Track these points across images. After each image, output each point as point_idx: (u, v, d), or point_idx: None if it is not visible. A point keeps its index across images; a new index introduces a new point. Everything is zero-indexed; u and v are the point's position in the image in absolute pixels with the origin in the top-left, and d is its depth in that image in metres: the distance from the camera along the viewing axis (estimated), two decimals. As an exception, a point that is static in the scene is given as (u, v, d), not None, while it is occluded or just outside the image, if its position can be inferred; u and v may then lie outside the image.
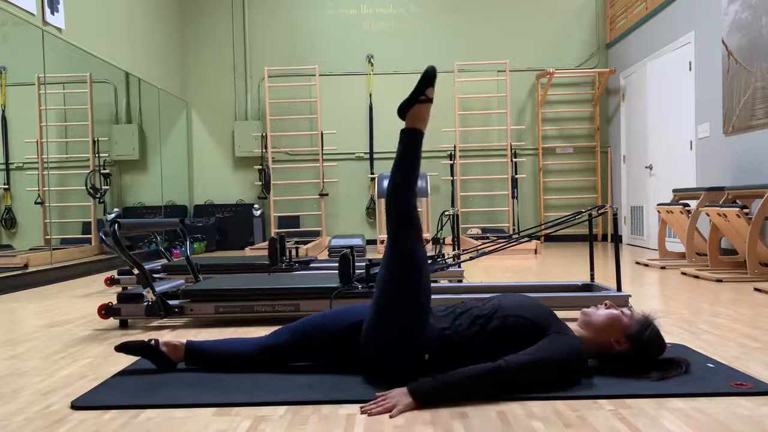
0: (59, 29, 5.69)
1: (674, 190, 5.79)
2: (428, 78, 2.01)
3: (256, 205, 8.76)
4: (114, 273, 4.51)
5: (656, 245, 6.45)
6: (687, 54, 6.43)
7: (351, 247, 3.29)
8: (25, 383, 2.13)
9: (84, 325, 3.21)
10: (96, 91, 6.68)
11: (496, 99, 8.80)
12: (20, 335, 2.99)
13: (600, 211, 3.23)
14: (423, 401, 1.76)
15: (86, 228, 6.38)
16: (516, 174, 8.70)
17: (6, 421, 1.75)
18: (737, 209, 4.36)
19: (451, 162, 8.70)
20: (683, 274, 4.82)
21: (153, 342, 2.16)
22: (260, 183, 8.39)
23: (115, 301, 3.10)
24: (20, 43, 5.37)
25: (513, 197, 8.67)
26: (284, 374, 2.07)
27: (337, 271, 3.27)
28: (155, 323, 3.19)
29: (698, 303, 3.50)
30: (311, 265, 4.51)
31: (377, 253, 7.36)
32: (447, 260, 3.62)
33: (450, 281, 4.00)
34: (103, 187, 6.49)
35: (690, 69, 6.36)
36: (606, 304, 2.04)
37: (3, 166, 5.37)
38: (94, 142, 6.49)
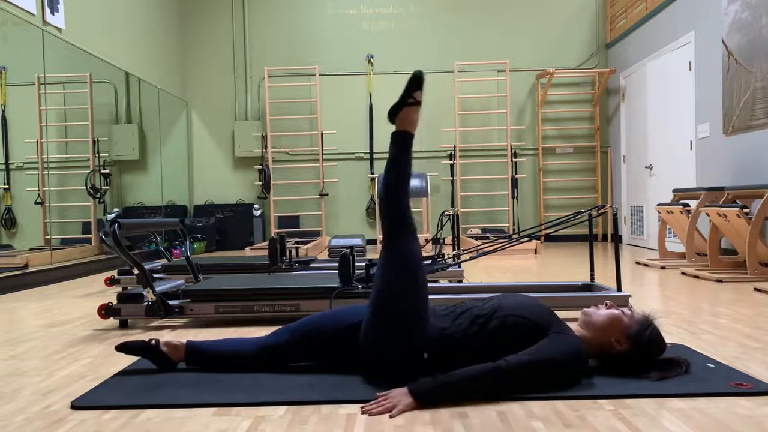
0: (59, 29, 5.69)
1: (674, 190, 5.79)
2: (416, 81, 2.04)
3: (256, 205, 8.76)
4: (114, 273, 4.51)
5: (656, 245, 6.45)
6: (687, 54, 6.43)
7: (351, 247, 3.29)
8: (25, 383, 2.13)
9: (84, 325, 3.21)
10: (96, 91, 6.68)
11: (496, 99, 8.81)
12: (20, 335, 2.99)
13: (600, 211, 3.23)
14: (423, 401, 1.76)
15: (86, 228, 6.38)
16: (516, 174, 8.70)
17: (6, 421, 1.75)
18: (737, 209, 4.36)
19: (451, 162, 8.70)
20: (683, 274, 4.82)
21: (153, 342, 2.16)
22: (260, 183, 8.39)
23: (115, 301, 3.10)
24: (20, 43, 5.37)
25: (513, 197, 8.67)
26: (284, 374, 2.07)
27: (337, 271, 3.27)
28: (155, 323, 3.19)
29: (698, 303, 3.50)
30: (311, 265, 4.51)
31: (377, 253, 7.36)
32: (447, 260, 3.62)
33: (450, 281, 4.00)
34: (103, 187, 6.49)
35: (690, 69, 6.36)
36: (606, 304, 2.04)
37: (3, 166, 5.37)
38: (94, 142, 6.49)
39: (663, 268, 5.28)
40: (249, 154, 8.81)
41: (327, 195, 8.73)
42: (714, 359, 2.20)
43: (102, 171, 6.51)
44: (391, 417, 1.70)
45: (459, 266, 3.98)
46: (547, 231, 7.85)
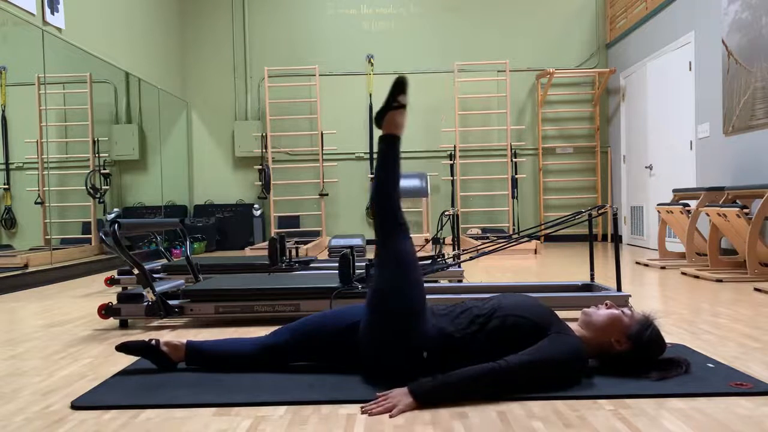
0: (59, 29, 5.69)
1: (674, 190, 5.80)
2: (399, 85, 2.07)
3: (256, 205, 8.76)
4: (114, 273, 4.51)
5: (656, 245, 6.45)
6: (687, 54, 6.43)
7: (351, 247, 3.29)
8: (25, 383, 2.13)
9: (84, 325, 3.21)
10: (96, 91, 6.68)
11: (496, 99, 8.80)
12: (20, 335, 2.99)
13: (600, 211, 3.23)
14: (423, 401, 1.76)
15: (86, 228, 6.38)
16: (516, 174, 8.70)
17: (6, 421, 1.75)
18: (737, 209, 4.36)
19: (451, 162, 8.70)
20: (683, 274, 4.82)
21: (153, 342, 2.16)
22: (260, 183, 8.39)
23: (115, 301, 3.10)
24: (20, 43, 5.37)
25: (513, 197, 8.67)
26: (284, 374, 2.07)
27: (337, 271, 3.27)
28: (155, 323, 3.19)
29: (698, 303, 3.50)
30: (311, 265, 4.51)
31: (377, 253, 7.35)
32: (447, 260, 3.62)
33: (450, 281, 4.00)
34: (103, 187, 6.49)
35: (690, 69, 6.36)
36: (606, 304, 2.04)
37: (3, 166, 5.37)
38: (94, 142, 6.49)
39: (663, 268, 5.28)
40: (249, 154, 8.81)
41: (327, 195, 8.73)
42: (714, 359, 2.20)
43: (102, 171, 6.51)
44: (391, 417, 1.70)
45: (459, 266, 3.98)
46: (547, 231, 7.85)
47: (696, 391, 1.84)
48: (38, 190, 5.55)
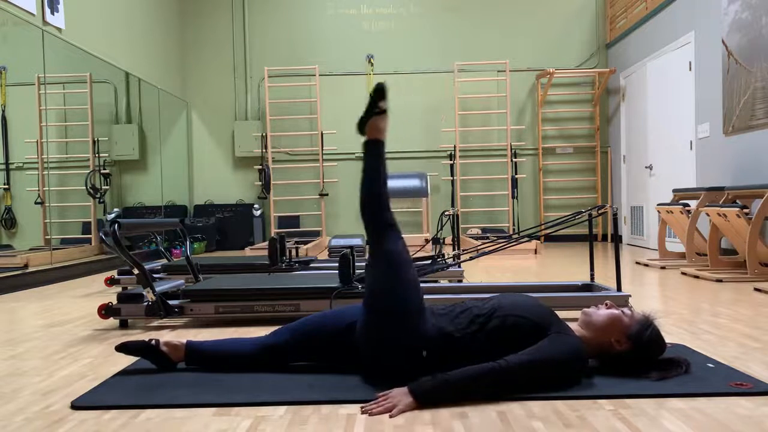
0: (59, 29, 5.69)
1: (674, 190, 5.79)
2: (379, 92, 2.13)
3: (256, 205, 8.76)
4: (114, 273, 4.51)
5: (656, 245, 6.45)
6: (687, 54, 6.43)
7: (351, 247, 3.29)
8: (25, 383, 2.13)
9: (84, 325, 3.21)
10: (96, 91, 6.68)
11: (496, 99, 8.80)
12: (20, 335, 2.99)
13: (600, 211, 3.23)
14: (423, 401, 1.76)
15: (86, 228, 6.38)
16: (516, 174, 8.70)
17: (6, 421, 1.75)
18: (737, 209, 4.36)
19: (451, 162, 8.70)
20: (683, 274, 4.82)
21: (153, 342, 2.16)
22: (260, 183, 8.39)
23: (115, 301, 3.10)
24: (20, 43, 5.37)
25: (513, 197, 8.67)
26: (284, 374, 2.07)
27: (337, 271, 3.27)
28: (155, 323, 3.19)
29: (698, 303, 3.50)
30: (311, 265, 4.51)
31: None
32: (447, 260, 3.62)
33: (450, 281, 4.00)
34: (103, 187, 6.49)
35: (690, 69, 6.36)
36: (606, 304, 2.04)
37: (3, 166, 5.37)
38: (94, 142, 6.49)
39: (663, 268, 5.28)
40: (249, 154, 8.81)
41: (327, 195, 8.73)
42: (714, 359, 2.20)
43: (102, 171, 6.51)
44: (391, 417, 1.70)
45: (459, 266, 3.98)
46: (547, 231, 7.85)
47: (696, 391, 1.84)
48: (38, 190, 5.55)
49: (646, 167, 7.54)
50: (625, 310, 2.03)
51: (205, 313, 3.12)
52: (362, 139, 2.14)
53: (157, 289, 3.07)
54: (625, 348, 1.97)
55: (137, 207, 7.53)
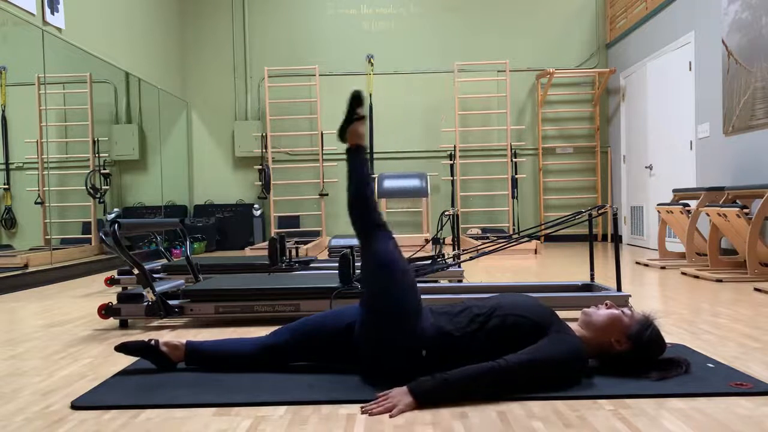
0: (59, 29, 5.69)
1: (674, 190, 5.79)
2: (356, 99, 2.24)
3: (256, 205, 8.76)
4: (114, 273, 4.51)
5: (656, 245, 6.45)
6: (687, 54, 6.43)
7: (351, 247, 3.28)
8: (25, 383, 2.13)
9: (84, 325, 3.21)
10: (96, 91, 6.68)
11: (496, 99, 8.80)
12: (20, 335, 2.99)
13: (600, 211, 3.23)
14: (423, 400, 1.76)
15: (86, 228, 6.38)
16: (516, 174, 8.70)
17: (6, 421, 1.75)
18: (737, 209, 4.36)
19: (451, 162, 8.70)
20: (683, 274, 4.82)
21: (153, 342, 2.16)
22: (260, 183, 8.39)
23: (115, 301, 3.10)
24: (20, 43, 5.37)
25: (513, 197, 8.67)
26: (284, 374, 2.07)
27: (337, 271, 3.27)
28: (155, 323, 3.19)
29: (698, 303, 3.50)
30: (311, 265, 4.51)
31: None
32: (447, 260, 3.62)
33: (450, 281, 3.99)
34: (103, 187, 6.49)
35: (690, 69, 6.36)
36: (606, 304, 2.04)
37: (3, 166, 5.37)
38: (94, 142, 6.49)
39: (663, 268, 5.28)
40: (249, 154, 8.81)
41: (327, 195, 8.73)
42: (714, 359, 2.20)
43: (102, 171, 6.51)
44: (391, 417, 1.70)
45: (459, 266, 3.98)
46: (547, 231, 7.85)
47: (696, 391, 1.84)
48: (38, 190, 5.55)
49: (646, 167, 7.54)
50: (625, 310, 2.03)
51: (205, 313, 3.12)
52: (345, 146, 2.22)
53: (157, 289, 3.07)
54: (625, 348, 1.97)
55: (137, 207, 7.53)
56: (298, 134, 8.80)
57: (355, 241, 6.83)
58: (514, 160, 8.67)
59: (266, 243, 6.77)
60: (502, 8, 8.83)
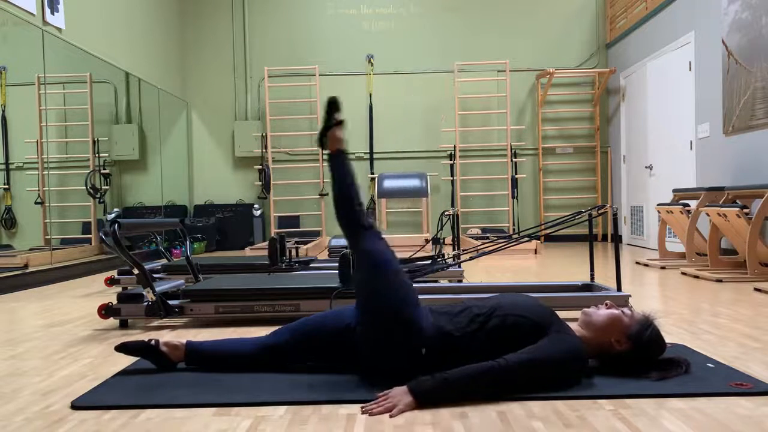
0: (59, 29, 5.69)
1: (674, 190, 5.79)
2: (332, 105, 2.27)
3: (256, 205, 8.76)
4: (114, 273, 4.51)
5: (656, 245, 6.45)
6: (687, 54, 6.43)
7: (351, 247, 3.28)
8: (25, 383, 2.13)
9: (84, 325, 3.21)
10: (96, 91, 6.68)
11: (496, 99, 8.80)
12: (20, 335, 2.99)
13: (600, 211, 3.23)
14: (423, 400, 1.76)
15: (86, 228, 6.38)
16: (516, 174, 8.70)
17: (6, 421, 1.75)
18: (737, 209, 4.36)
19: (451, 162, 8.70)
20: (683, 274, 4.82)
21: (153, 342, 2.16)
22: (260, 183, 8.39)
23: (115, 301, 3.10)
24: (20, 43, 5.37)
25: (513, 197, 8.67)
26: (284, 374, 2.07)
27: (337, 271, 3.27)
28: (155, 323, 3.19)
29: (698, 303, 3.50)
30: (311, 265, 4.51)
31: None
32: (447, 260, 3.62)
33: (450, 281, 3.99)
34: (103, 187, 6.49)
35: (690, 69, 6.36)
36: (606, 304, 2.04)
37: (3, 166, 5.37)
38: (94, 142, 6.49)
39: (663, 268, 5.28)
40: (249, 154, 8.81)
41: (327, 195, 8.73)
42: (714, 359, 2.20)
43: (102, 171, 6.51)
44: (391, 417, 1.70)
45: (459, 266, 3.98)
46: (547, 231, 7.85)
47: (696, 391, 1.84)
48: (38, 190, 5.55)
49: (646, 167, 7.54)
50: (625, 310, 2.03)
51: (205, 313, 3.12)
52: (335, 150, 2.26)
53: (157, 289, 3.07)
54: (625, 348, 1.97)
55: (137, 207, 7.53)
56: (298, 134, 8.80)
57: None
58: (514, 160, 8.67)
59: (266, 243, 6.77)
60: (502, 8, 8.83)
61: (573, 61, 8.80)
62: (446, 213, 4.33)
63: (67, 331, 3.06)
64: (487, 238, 7.49)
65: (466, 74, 8.71)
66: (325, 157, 8.50)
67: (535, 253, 6.98)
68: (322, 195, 8.68)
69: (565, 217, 3.25)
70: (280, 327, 2.18)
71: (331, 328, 2.07)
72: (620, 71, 8.31)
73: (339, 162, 2.20)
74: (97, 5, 6.54)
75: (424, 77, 8.82)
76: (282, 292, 3.15)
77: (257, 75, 8.91)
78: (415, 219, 8.82)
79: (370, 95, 8.78)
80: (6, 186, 5.32)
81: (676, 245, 6.34)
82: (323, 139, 2.25)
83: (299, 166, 8.89)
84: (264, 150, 8.74)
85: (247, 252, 7.27)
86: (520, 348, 1.85)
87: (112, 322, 3.20)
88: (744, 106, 5.35)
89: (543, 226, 8.79)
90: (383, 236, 2.12)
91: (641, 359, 1.98)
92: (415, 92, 8.83)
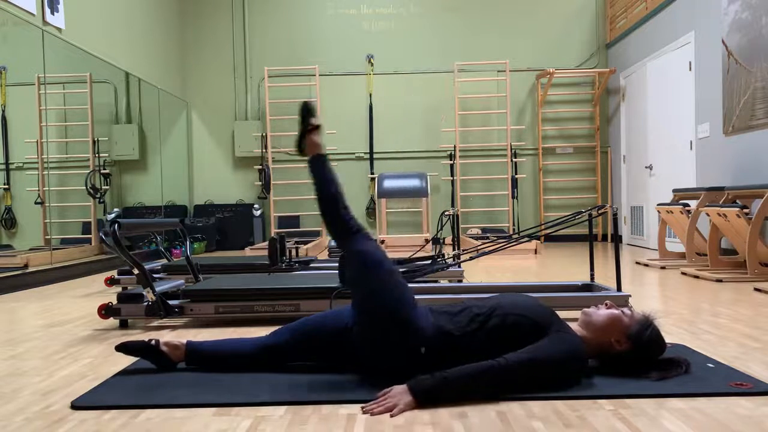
0: (59, 29, 5.69)
1: (674, 190, 5.79)
2: (307, 110, 2.23)
3: (256, 205, 8.76)
4: (114, 273, 4.51)
5: (656, 245, 6.45)
6: (687, 54, 6.43)
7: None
8: (25, 383, 2.13)
9: (84, 325, 3.21)
10: (96, 91, 6.68)
11: (496, 99, 8.80)
12: (20, 335, 2.99)
13: (600, 211, 3.23)
14: (423, 399, 1.76)
15: (86, 228, 6.38)
16: (516, 174, 8.70)
17: (6, 421, 1.75)
18: (737, 209, 4.36)
19: (451, 162, 8.70)
20: (683, 274, 4.82)
21: (153, 342, 2.16)
22: (260, 183, 8.39)
23: (115, 301, 3.10)
24: (20, 43, 5.37)
25: (513, 197, 8.67)
26: (284, 374, 2.07)
27: (337, 271, 3.27)
28: (155, 323, 3.19)
29: (698, 303, 3.50)
30: (311, 265, 4.51)
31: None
32: (447, 260, 3.62)
33: (450, 281, 3.99)
34: (103, 187, 6.49)
35: (690, 69, 6.36)
36: (606, 304, 2.04)
37: (3, 166, 5.37)
38: (94, 142, 6.49)
39: (663, 268, 5.28)
40: (249, 154, 8.81)
41: (327, 195, 8.71)
42: (714, 359, 2.20)
43: (102, 171, 6.51)
44: (392, 416, 1.70)
45: (459, 266, 3.98)
46: (547, 231, 7.85)
47: (696, 391, 1.84)
48: (38, 190, 5.55)
49: (646, 167, 7.54)
50: (625, 310, 2.03)
51: (205, 313, 3.12)
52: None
53: (157, 289, 3.07)
54: (625, 348, 1.97)
55: (137, 207, 7.53)
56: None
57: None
58: (514, 160, 8.67)
59: (266, 243, 6.77)
60: (502, 8, 8.83)
61: (573, 61, 8.80)
62: (446, 213, 4.33)
63: (67, 331, 3.06)
64: (487, 238, 7.49)
65: (466, 74, 8.71)
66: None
67: (535, 253, 6.98)
68: (322, 195, 8.66)
69: (565, 217, 3.25)
70: (280, 327, 2.18)
71: (331, 328, 2.07)
72: (620, 71, 8.31)
73: (319, 166, 2.19)
74: (97, 5, 6.54)
75: (424, 77, 8.82)
76: (282, 292, 3.15)
77: (257, 75, 8.91)
78: (415, 219, 8.82)
79: (370, 95, 8.78)
80: (6, 186, 5.32)
81: (676, 245, 6.34)
82: (301, 145, 2.23)
83: (299, 166, 8.88)
84: (264, 150, 8.74)
85: (247, 252, 7.27)
86: (520, 348, 1.85)
87: (112, 322, 3.20)
88: (744, 106, 5.35)
89: (543, 226, 8.79)
90: (372, 238, 2.12)
91: (641, 359, 1.98)
92: (415, 92, 8.83)
